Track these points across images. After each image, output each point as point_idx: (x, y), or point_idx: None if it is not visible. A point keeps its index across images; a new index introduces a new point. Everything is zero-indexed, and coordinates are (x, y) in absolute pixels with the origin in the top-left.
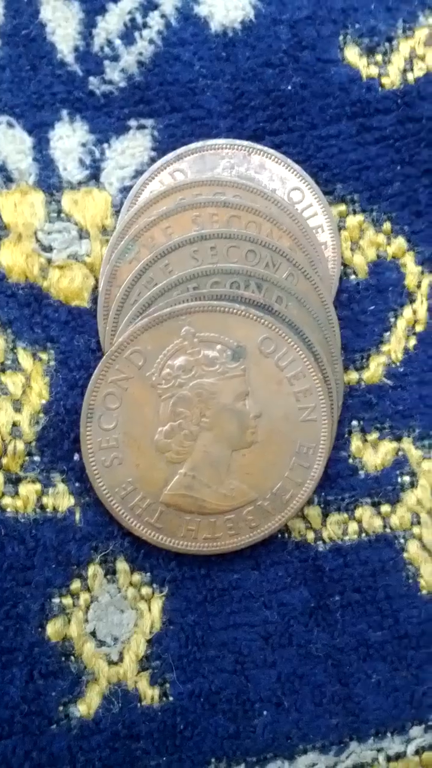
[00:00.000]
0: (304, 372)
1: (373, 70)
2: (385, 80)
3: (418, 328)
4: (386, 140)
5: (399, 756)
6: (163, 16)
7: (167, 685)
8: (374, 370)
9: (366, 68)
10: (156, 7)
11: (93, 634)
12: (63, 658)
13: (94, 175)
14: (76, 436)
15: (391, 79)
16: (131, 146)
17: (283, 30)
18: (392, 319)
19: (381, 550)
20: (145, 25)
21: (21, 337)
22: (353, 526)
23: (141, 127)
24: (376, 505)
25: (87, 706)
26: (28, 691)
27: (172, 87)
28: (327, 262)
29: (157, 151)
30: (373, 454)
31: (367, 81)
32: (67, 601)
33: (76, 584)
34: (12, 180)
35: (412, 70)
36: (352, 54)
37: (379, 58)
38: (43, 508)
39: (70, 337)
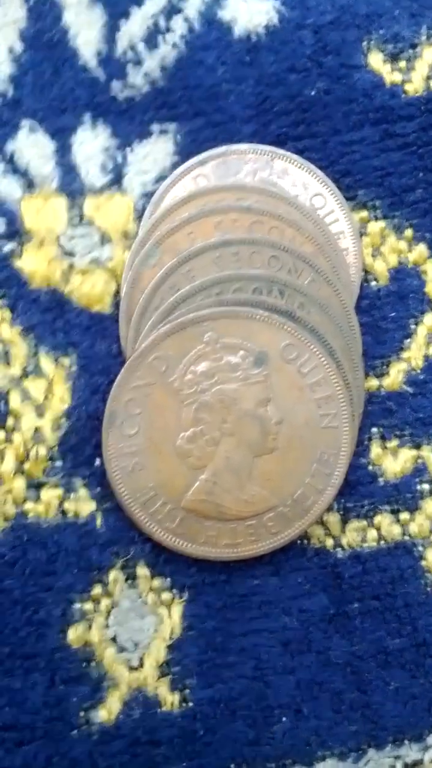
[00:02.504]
0: (326, 379)
1: (397, 77)
2: (408, 87)
3: None
4: (409, 147)
5: (416, 764)
6: (186, 20)
7: (187, 691)
8: (394, 377)
9: (389, 74)
10: (179, 11)
11: (114, 639)
12: (84, 664)
13: (117, 180)
14: (97, 442)
15: (415, 85)
16: (154, 151)
17: (307, 35)
18: (413, 326)
19: (400, 558)
20: (168, 30)
21: (43, 342)
22: (372, 534)
23: (164, 131)
24: (395, 512)
25: (108, 711)
26: (49, 696)
27: (195, 91)
28: (349, 268)
29: (180, 156)
30: (392, 461)
31: (391, 87)
32: (89, 606)
33: (97, 590)
34: (34, 185)
35: None
36: (376, 60)
37: (402, 64)
38: (64, 513)
39: (91, 342)
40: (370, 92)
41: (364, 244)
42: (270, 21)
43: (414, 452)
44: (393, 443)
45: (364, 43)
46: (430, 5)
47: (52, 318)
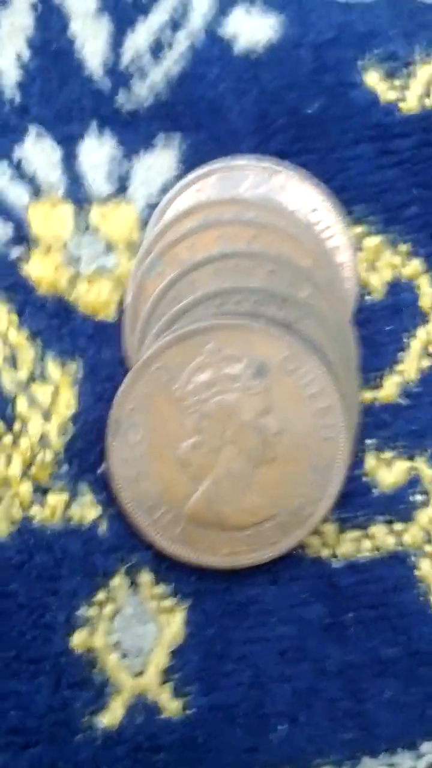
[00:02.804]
0: (324, 390)
1: (392, 95)
2: (403, 105)
3: None
4: (404, 164)
5: None
6: (189, 35)
7: (188, 698)
8: (389, 389)
9: (385, 92)
10: (183, 26)
11: (117, 645)
12: (88, 669)
13: (122, 189)
14: (102, 448)
15: (409, 104)
16: (158, 161)
17: (306, 53)
18: (407, 339)
19: (394, 568)
20: (172, 43)
21: (50, 347)
22: (367, 544)
23: (168, 143)
24: (389, 523)
25: (111, 717)
26: (54, 700)
27: (198, 105)
28: (346, 282)
29: (184, 167)
30: (387, 472)
31: (386, 105)
32: (93, 611)
33: (101, 595)
34: (41, 192)
35: (429, 96)
36: (372, 78)
37: (398, 82)
38: (70, 518)
39: (96, 350)
40: (366, 110)
41: (360, 259)
42: (270, 38)
43: (408, 463)
44: (388, 454)
45: (361, 62)
46: (425, 25)
47: (58, 324)
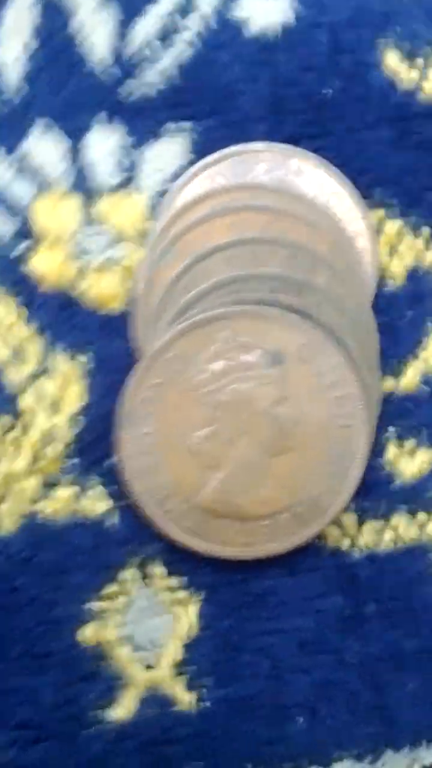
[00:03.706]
0: (343, 379)
1: (414, 75)
2: (425, 85)
3: None
4: (426, 145)
5: None
6: (200, 18)
7: (203, 690)
8: (411, 377)
9: (406, 73)
10: (194, 9)
11: (129, 638)
12: (99, 662)
13: (131, 178)
14: (112, 440)
15: (431, 84)
16: (168, 150)
17: (322, 34)
18: (429, 326)
19: (416, 559)
20: (182, 28)
21: (58, 341)
22: (388, 534)
23: (178, 130)
24: (412, 513)
25: (123, 710)
26: (63, 694)
27: (210, 90)
28: (365, 268)
29: (195, 155)
30: (409, 461)
31: (407, 86)
32: (104, 605)
33: (112, 588)
34: (48, 184)
35: None
36: (392, 58)
37: (419, 62)
38: (79, 511)
39: (106, 341)
40: (386, 91)
41: (381, 244)
42: (285, 20)
43: (431, 453)
44: (410, 444)
45: (380, 42)
46: None
47: (66, 317)
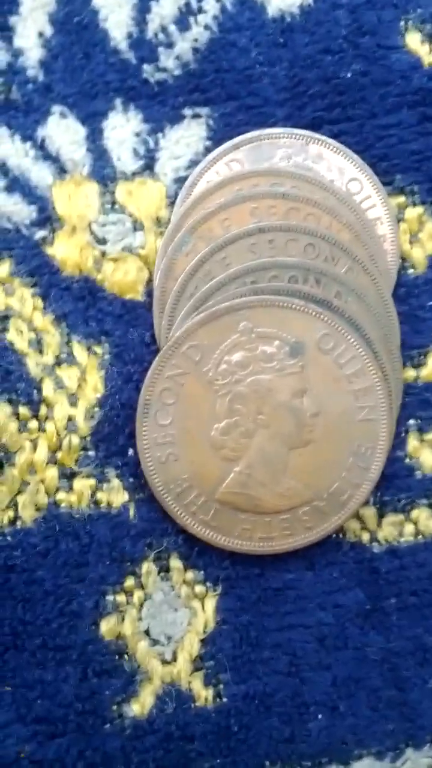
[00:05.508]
0: (364, 370)
1: None
2: None
3: None
4: None
5: None
6: (217, 0)
7: (221, 686)
8: None
9: (428, 55)
10: None
11: (147, 632)
12: (117, 657)
13: (149, 165)
14: (131, 431)
15: None
16: (186, 135)
17: (342, 15)
18: None
19: None
20: (200, 11)
21: (76, 330)
22: (409, 528)
23: (196, 115)
24: None
25: (141, 705)
26: (82, 689)
27: (228, 74)
28: (386, 255)
29: (213, 141)
30: (430, 454)
31: (429, 69)
32: (121, 598)
33: (130, 581)
34: (66, 171)
35: None
36: (414, 40)
37: None
38: (97, 503)
39: (124, 331)
40: (407, 74)
41: (402, 231)
42: (304, 1)
43: None
44: (431, 435)
45: (402, 23)
46: None
47: (84, 306)
